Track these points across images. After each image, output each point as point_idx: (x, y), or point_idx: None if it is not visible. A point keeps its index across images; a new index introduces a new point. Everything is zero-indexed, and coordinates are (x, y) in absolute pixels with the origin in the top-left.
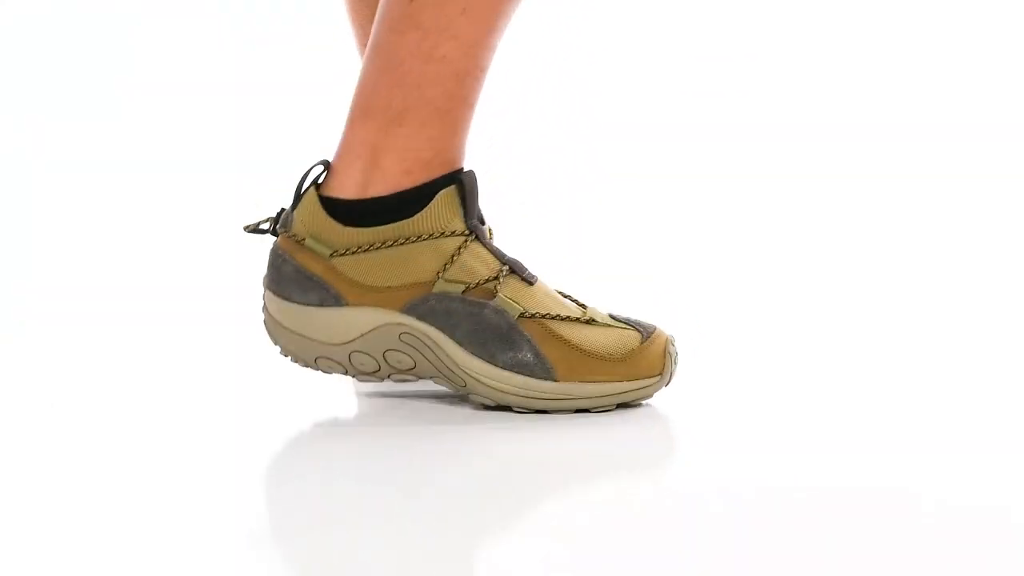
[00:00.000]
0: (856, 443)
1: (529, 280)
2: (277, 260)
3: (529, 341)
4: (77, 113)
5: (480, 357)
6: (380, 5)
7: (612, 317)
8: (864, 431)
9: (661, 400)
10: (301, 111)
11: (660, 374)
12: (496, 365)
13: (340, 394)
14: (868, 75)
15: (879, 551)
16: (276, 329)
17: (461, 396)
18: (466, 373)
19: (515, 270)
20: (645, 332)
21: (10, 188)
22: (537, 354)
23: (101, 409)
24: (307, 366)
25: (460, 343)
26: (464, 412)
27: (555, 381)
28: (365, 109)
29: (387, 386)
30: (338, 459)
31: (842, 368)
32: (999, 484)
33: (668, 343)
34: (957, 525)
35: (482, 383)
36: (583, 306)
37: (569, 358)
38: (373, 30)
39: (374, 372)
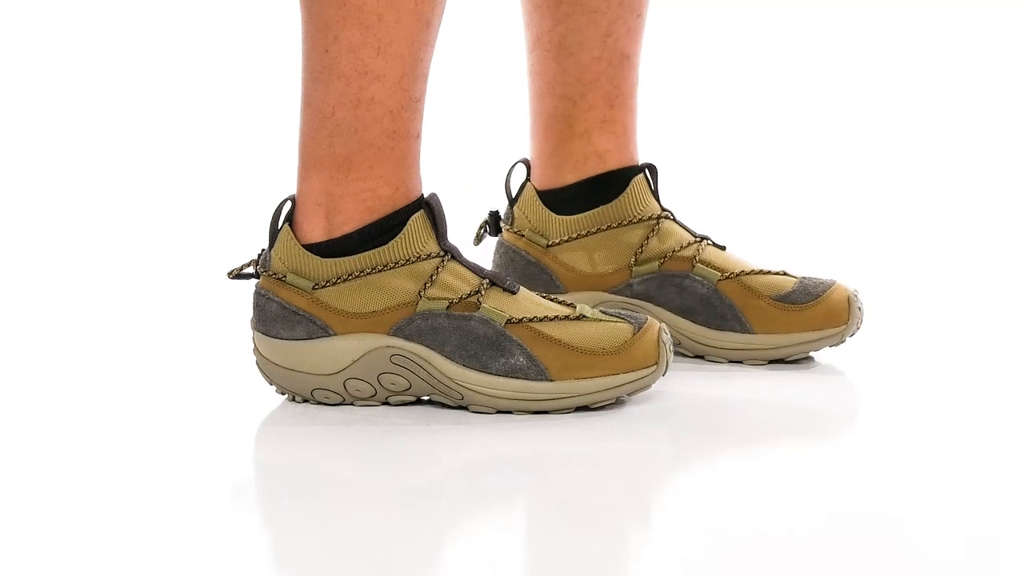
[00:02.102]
0: (857, 442)
1: (511, 290)
2: (261, 300)
3: (520, 345)
4: (77, 113)
5: (473, 368)
6: (302, 56)
7: (603, 312)
8: (864, 428)
9: (661, 398)
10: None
11: (656, 363)
12: (490, 373)
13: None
14: (879, 56)
15: (880, 552)
16: (269, 368)
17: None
18: (461, 386)
19: (496, 282)
20: (636, 323)
21: (10, 188)
22: (529, 357)
23: (101, 409)
24: (305, 400)
25: (450, 357)
26: (462, 412)
27: (551, 381)
28: (311, 160)
29: None
30: (329, 458)
31: (843, 366)
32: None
33: (661, 332)
34: (958, 526)
35: (479, 393)
36: (571, 306)
37: (562, 357)
38: (301, 80)
39: (371, 397)
